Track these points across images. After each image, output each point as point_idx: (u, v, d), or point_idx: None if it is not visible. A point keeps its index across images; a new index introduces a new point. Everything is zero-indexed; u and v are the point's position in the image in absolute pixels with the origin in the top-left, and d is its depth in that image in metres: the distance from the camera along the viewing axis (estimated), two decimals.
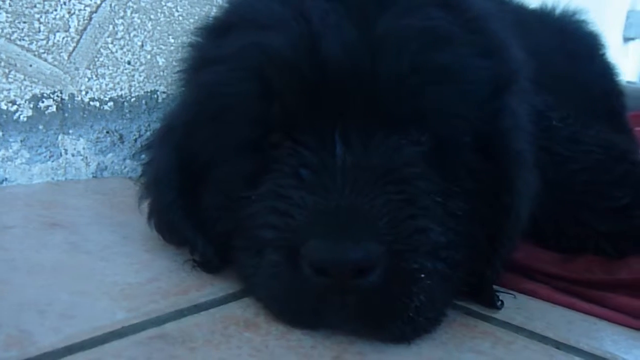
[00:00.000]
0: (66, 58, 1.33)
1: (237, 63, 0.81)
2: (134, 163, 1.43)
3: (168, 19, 1.51)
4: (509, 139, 0.83)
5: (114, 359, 0.66)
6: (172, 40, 1.52)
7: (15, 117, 1.26)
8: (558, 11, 1.59)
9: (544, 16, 1.54)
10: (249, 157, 0.82)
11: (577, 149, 1.09)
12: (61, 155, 1.36)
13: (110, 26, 1.40)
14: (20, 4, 1.23)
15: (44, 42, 1.28)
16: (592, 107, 1.32)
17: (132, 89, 1.47)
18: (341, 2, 0.78)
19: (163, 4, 1.49)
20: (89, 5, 1.34)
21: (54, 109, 1.32)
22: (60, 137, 1.35)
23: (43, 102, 1.31)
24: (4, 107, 1.24)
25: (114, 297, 0.80)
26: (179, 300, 0.81)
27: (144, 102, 1.50)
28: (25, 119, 1.28)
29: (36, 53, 1.27)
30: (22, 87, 1.27)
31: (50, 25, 1.28)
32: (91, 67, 1.38)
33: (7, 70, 1.23)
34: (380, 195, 0.72)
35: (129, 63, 1.45)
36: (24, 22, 1.24)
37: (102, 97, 1.41)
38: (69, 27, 1.32)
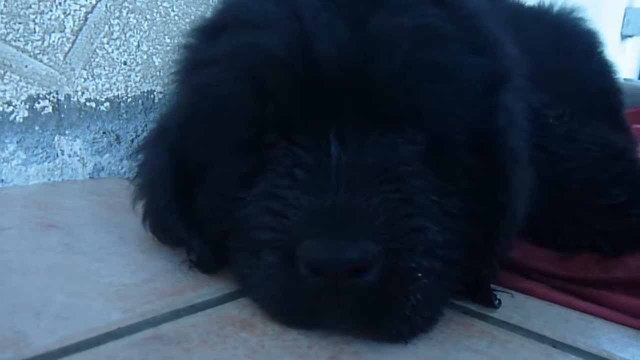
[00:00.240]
0: (62, 59, 1.32)
1: (230, 63, 0.80)
2: (131, 163, 1.42)
3: (164, 19, 1.51)
4: (503, 136, 0.83)
5: None
6: (169, 40, 1.52)
7: (11, 118, 1.26)
8: (555, 9, 1.58)
9: (541, 14, 1.54)
10: (243, 157, 0.82)
11: (573, 147, 1.09)
12: (57, 156, 1.35)
13: (106, 26, 1.39)
14: (15, 4, 1.23)
15: (40, 42, 1.28)
16: (589, 104, 1.32)
17: (129, 89, 1.47)
18: (333, 1, 0.78)
19: (159, 4, 1.49)
20: (84, 6, 1.34)
21: (49, 109, 1.32)
22: (56, 138, 1.34)
23: (39, 103, 1.30)
24: (0, 109, 1.24)
25: (109, 298, 0.80)
26: (174, 301, 0.81)
27: (140, 102, 1.50)
28: (21, 120, 1.28)
29: (32, 54, 1.27)
30: (18, 88, 1.26)
31: (45, 26, 1.28)
32: (87, 67, 1.38)
33: (2, 72, 1.23)
34: (375, 195, 0.72)
35: (125, 63, 1.45)
36: (19, 23, 1.24)
37: (98, 97, 1.41)
38: (65, 27, 1.32)
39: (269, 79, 0.77)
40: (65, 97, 1.35)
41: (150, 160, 0.95)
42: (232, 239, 0.83)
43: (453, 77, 0.79)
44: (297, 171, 0.75)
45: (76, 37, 1.34)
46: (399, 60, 0.75)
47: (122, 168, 1.47)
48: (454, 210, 0.79)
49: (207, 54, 0.85)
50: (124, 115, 1.47)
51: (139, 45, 1.47)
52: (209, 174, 0.86)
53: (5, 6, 1.21)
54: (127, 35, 1.44)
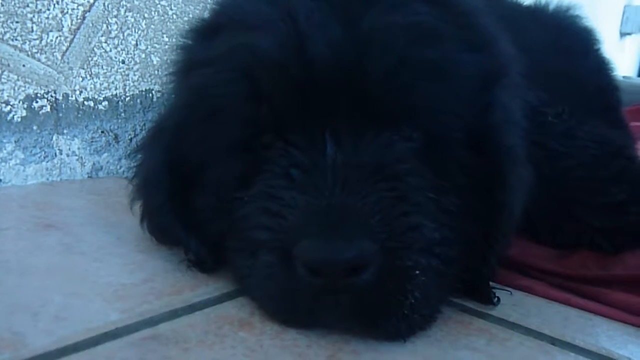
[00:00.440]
0: (60, 58, 1.32)
1: (225, 64, 0.80)
2: (129, 163, 1.42)
3: (162, 18, 1.51)
4: (500, 134, 0.83)
5: None
6: (167, 39, 1.52)
7: (9, 118, 1.26)
8: (552, 7, 1.58)
9: (537, 12, 1.54)
10: (240, 158, 0.82)
11: (572, 144, 1.09)
12: (56, 155, 1.35)
13: (104, 25, 1.39)
14: (13, 3, 1.22)
15: (37, 41, 1.28)
16: (587, 102, 1.32)
17: (127, 88, 1.47)
18: (327, 1, 0.78)
19: (157, 2, 1.49)
20: (82, 5, 1.34)
21: (48, 109, 1.32)
22: (54, 138, 1.34)
23: (37, 102, 1.30)
24: None
25: (107, 298, 0.79)
26: (172, 301, 0.81)
27: (138, 101, 1.50)
28: (19, 120, 1.27)
29: (29, 53, 1.27)
30: (16, 88, 1.26)
31: (43, 25, 1.28)
32: (85, 66, 1.37)
33: (0, 71, 1.23)
34: (372, 193, 0.72)
35: (123, 62, 1.45)
36: (17, 22, 1.24)
37: (96, 96, 1.41)
38: (62, 26, 1.31)
39: (263, 80, 0.77)
40: (63, 96, 1.34)
41: (146, 161, 0.95)
42: (230, 239, 0.83)
43: (448, 75, 0.79)
44: (293, 171, 0.75)
45: (74, 36, 1.34)
46: (393, 58, 0.75)
47: (120, 167, 1.47)
48: (451, 208, 0.79)
49: (202, 55, 0.85)
50: (123, 114, 1.47)
51: (137, 44, 1.47)
52: (205, 175, 0.86)
53: (2, 5, 1.21)
54: (125, 34, 1.44)
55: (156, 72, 1.51)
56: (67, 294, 0.79)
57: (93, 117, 1.41)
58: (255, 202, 0.78)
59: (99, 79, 1.41)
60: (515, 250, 0.99)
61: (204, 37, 0.89)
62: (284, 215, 0.73)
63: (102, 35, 1.39)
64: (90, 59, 1.38)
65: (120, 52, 1.44)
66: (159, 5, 1.50)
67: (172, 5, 1.53)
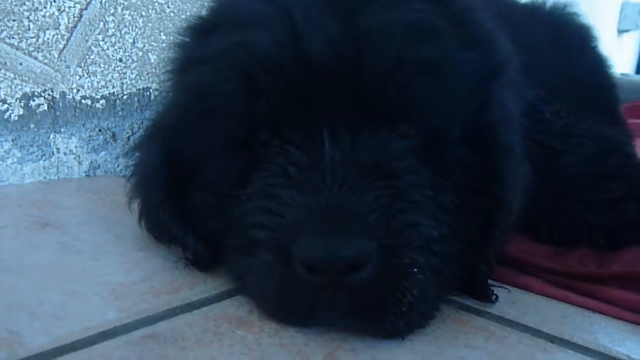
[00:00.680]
0: (57, 56, 1.32)
1: (222, 62, 0.80)
2: (127, 161, 1.42)
3: (159, 16, 1.51)
4: (497, 131, 0.83)
5: (104, 359, 0.66)
6: (164, 37, 1.51)
7: (5, 117, 1.25)
8: (549, 4, 1.58)
9: (534, 10, 1.54)
10: (237, 156, 0.82)
11: (570, 142, 1.09)
12: (53, 154, 1.35)
13: (101, 23, 1.39)
14: (9, 1, 1.22)
15: (34, 40, 1.27)
16: (585, 99, 1.32)
17: (124, 86, 1.47)
18: None
19: (154, 0, 1.49)
20: (78, 3, 1.33)
21: (45, 107, 1.32)
22: (52, 136, 1.34)
23: (34, 100, 1.30)
24: None
25: (105, 297, 0.79)
26: (171, 299, 0.81)
27: (136, 99, 1.50)
28: (16, 118, 1.27)
29: (26, 51, 1.27)
30: (13, 86, 1.26)
31: (40, 23, 1.28)
32: (82, 64, 1.37)
33: None
34: (369, 191, 0.72)
35: (120, 60, 1.45)
36: (13, 20, 1.23)
37: (93, 95, 1.40)
38: (59, 24, 1.31)
39: (260, 78, 0.76)
40: (60, 94, 1.34)
41: (144, 159, 0.95)
42: (228, 237, 0.83)
43: (445, 72, 0.79)
44: (291, 169, 0.75)
45: (71, 34, 1.34)
46: (390, 55, 0.75)
47: (118, 166, 1.47)
48: (449, 206, 0.79)
49: (199, 53, 0.85)
50: (120, 112, 1.46)
51: (134, 42, 1.46)
52: (203, 173, 0.86)
53: None
54: (123, 32, 1.43)
55: (154, 70, 1.51)
56: (65, 292, 0.79)
57: (90, 115, 1.40)
58: (252, 201, 0.77)
59: (96, 77, 1.40)
60: (513, 248, 0.99)
61: (201, 35, 0.89)
62: (282, 214, 0.73)
63: (99, 34, 1.39)
64: (87, 57, 1.37)
65: (118, 50, 1.43)
66: (156, 3, 1.49)
67: (170, 3, 1.52)
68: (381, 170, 0.74)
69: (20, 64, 1.26)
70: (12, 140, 1.27)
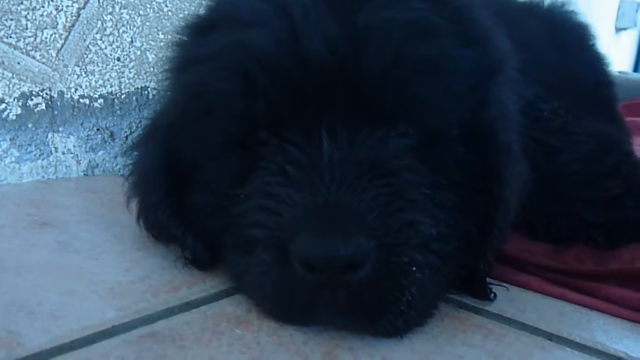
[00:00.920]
0: (54, 55, 1.32)
1: (220, 62, 0.80)
2: (125, 160, 1.42)
3: (157, 15, 1.50)
4: (495, 129, 0.83)
5: (103, 358, 0.66)
6: (162, 36, 1.51)
7: (3, 116, 1.25)
8: (547, 3, 1.58)
9: (532, 8, 1.54)
10: (235, 155, 0.82)
11: (568, 140, 1.09)
12: (51, 153, 1.35)
13: (99, 22, 1.38)
14: (7, 0, 1.22)
15: (32, 39, 1.27)
16: (583, 98, 1.32)
17: (122, 85, 1.47)
18: None
19: None
20: (76, 2, 1.33)
21: (43, 106, 1.32)
22: (50, 135, 1.34)
23: (32, 100, 1.30)
24: None
25: (103, 296, 0.79)
26: (169, 298, 0.81)
27: (134, 98, 1.49)
28: (14, 117, 1.27)
29: (24, 50, 1.26)
30: (11, 85, 1.26)
31: (37, 22, 1.27)
32: (80, 64, 1.37)
33: None
34: (368, 190, 0.72)
35: (118, 59, 1.44)
36: (11, 20, 1.23)
37: (91, 94, 1.40)
38: (57, 23, 1.31)
39: (258, 77, 0.76)
40: (58, 94, 1.34)
41: (142, 158, 0.95)
42: (226, 236, 0.83)
43: (443, 71, 0.79)
44: (289, 168, 0.75)
45: (69, 34, 1.33)
46: (388, 54, 0.75)
47: (116, 165, 1.47)
48: (448, 204, 0.79)
49: (197, 52, 0.85)
50: (118, 111, 1.46)
51: (132, 41, 1.46)
52: (202, 172, 0.86)
53: None
54: (120, 31, 1.43)
55: (152, 69, 1.50)
56: (63, 292, 0.79)
57: (88, 114, 1.40)
58: (251, 200, 0.77)
59: (94, 76, 1.40)
60: (511, 246, 0.99)
61: (198, 34, 0.89)
62: (280, 213, 0.73)
63: (97, 33, 1.38)
64: (85, 56, 1.37)
65: (116, 49, 1.43)
66: (154, 2, 1.49)
67: (168, 2, 1.52)
68: (379, 168, 0.74)
69: (18, 63, 1.26)
70: (10, 139, 1.27)
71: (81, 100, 1.38)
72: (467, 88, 0.81)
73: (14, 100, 1.26)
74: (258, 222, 0.75)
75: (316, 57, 0.75)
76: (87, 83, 1.39)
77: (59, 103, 1.34)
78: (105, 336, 0.70)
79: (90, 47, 1.38)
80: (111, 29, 1.41)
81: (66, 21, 1.32)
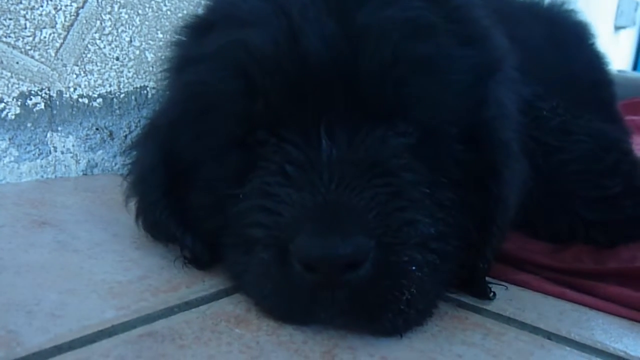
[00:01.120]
0: (53, 55, 1.32)
1: (219, 62, 0.80)
2: (124, 160, 1.42)
3: (156, 14, 1.50)
4: (494, 128, 0.83)
5: (102, 358, 0.66)
6: (161, 36, 1.51)
7: (2, 115, 1.25)
8: (546, 1, 1.58)
9: (532, 6, 1.54)
10: (235, 154, 0.82)
11: (567, 139, 1.09)
12: (50, 152, 1.35)
13: (98, 22, 1.38)
14: (6, 0, 1.22)
15: (31, 38, 1.27)
16: (582, 96, 1.32)
17: (121, 85, 1.46)
18: None
19: None
20: (75, 1, 1.33)
21: (42, 106, 1.31)
22: (49, 135, 1.34)
23: (31, 99, 1.29)
24: None
25: (103, 295, 0.79)
26: (169, 298, 0.81)
27: (133, 98, 1.49)
28: (13, 117, 1.27)
29: (23, 50, 1.26)
30: (9, 85, 1.25)
31: (36, 22, 1.27)
32: (79, 63, 1.37)
33: None
34: (367, 189, 0.72)
35: (117, 59, 1.44)
36: (10, 19, 1.23)
37: (90, 93, 1.40)
38: (56, 23, 1.31)
39: (257, 77, 0.76)
40: (57, 93, 1.34)
41: (141, 158, 0.95)
42: (226, 235, 0.83)
43: (442, 70, 0.79)
44: (288, 168, 0.75)
45: (67, 33, 1.33)
46: (387, 53, 0.75)
47: (115, 164, 1.47)
48: (447, 203, 0.79)
49: (196, 51, 0.85)
50: (117, 111, 1.46)
51: (131, 41, 1.46)
52: (201, 171, 0.86)
53: None
54: (119, 30, 1.43)
55: (150, 68, 1.50)
56: (62, 291, 0.79)
57: (87, 114, 1.40)
58: (250, 199, 0.77)
59: (93, 75, 1.40)
60: (511, 245, 0.99)
61: (197, 34, 0.89)
62: (280, 212, 0.73)
63: (95, 32, 1.38)
64: (84, 55, 1.37)
65: (114, 48, 1.43)
66: (152, 2, 1.49)
67: (166, 2, 1.52)
68: (378, 168, 0.74)
69: (17, 62, 1.26)
70: (9, 139, 1.27)
71: (80, 99, 1.38)
72: (466, 87, 0.81)
73: (12, 99, 1.26)
74: (257, 221, 0.75)
75: (315, 56, 0.75)
76: (86, 82, 1.39)
77: (58, 102, 1.34)
78: (104, 335, 0.70)
79: (89, 46, 1.38)
80: (110, 28, 1.41)
81: (65, 21, 1.32)
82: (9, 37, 1.23)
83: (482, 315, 0.84)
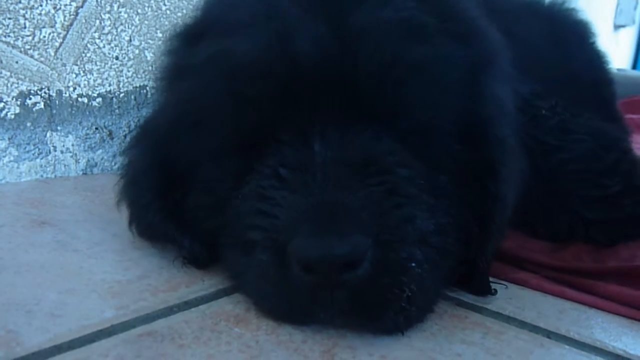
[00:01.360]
0: (53, 54, 1.32)
1: (209, 71, 0.80)
2: (124, 159, 1.42)
3: (155, 13, 1.50)
4: (490, 125, 0.82)
5: (102, 357, 0.66)
6: (160, 35, 1.51)
7: (2, 115, 1.25)
8: (547, 0, 1.58)
9: (533, 5, 1.54)
10: (231, 159, 0.82)
11: (567, 137, 1.09)
12: (50, 152, 1.35)
13: (97, 21, 1.38)
14: None
15: (30, 38, 1.27)
16: (582, 95, 1.32)
17: (121, 84, 1.46)
18: (309, 0, 0.78)
19: None
20: (74, 0, 1.33)
21: (41, 105, 1.31)
22: (48, 134, 1.34)
23: (30, 99, 1.29)
24: None
25: (102, 295, 0.79)
26: (168, 297, 0.81)
27: (132, 97, 1.49)
28: (12, 117, 1.27)
29: (22, 49, 1.26)
30: (9, 84, 1.25)
31: (35, 21, 1.27)
32: (78, 62, 1.37)
33: None
34: (362, 188, 0.72)
35: (116, 58, 1.44)
36: (9, 19, 1.23)
37: (90, 93, 1.40)
38: (55, 22, 1.31)
39: (247, 84, 0.76)
40: (56, 92, 1.34)
41: (133, 161, 0.94)
42: (225, 237, 0.83)
43: (438, 69, 0.78)
44: (282, 171, 0.75)
45: (67, 32, 1.33)
46: (385, 56, 0.75)
47: (115, 164, 1.47)
48: (445, 198, 0.78)
49: (187, 61, 0.85)
50: (117, 110, 1.46)
51: (130, 40, 1.46)
52: (198, 175, 0.86)
53: None
54: (119, 29, 1.43)
55: (150, 68, 1.50)
56: (62, 291, 0.79)
57: (87, 113, 1.40)
58: (247, 202, 0.77)
59: (92, 75, 1.40)
60: (510, 244, 0.99)
61: (189, 43, 0.89)
62: (276, 215, 0.72)
63: (95, 31, 1.38)
64: (83, 55, 1.37)
65: (114, 48, 1.43)
66: (152, 1, 1.49)
67: (166, 1, 1.52)
68: (373, 166, 0.74)
69: (16, 62, 1.26)
70: (9, 138, 1.27)
71: (80, 99, 1.38)
72: (460, 84, 0.80)
73: (12, 99, 1.26)
74: (255, 224, 0.75)
75: (305, 59, 0.74)
76: (86, 82, 1.39)
77: (57, 102, 1.34)
78: (104, 335, 0.70)
79: (89, 46, 1.38)
80: (109, 27, 1.41)
81: (64, 20, 1.32)
82: (9, 36, 1.23)
83: (482, 314, 0.84)
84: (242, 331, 0.74)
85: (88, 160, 1.42)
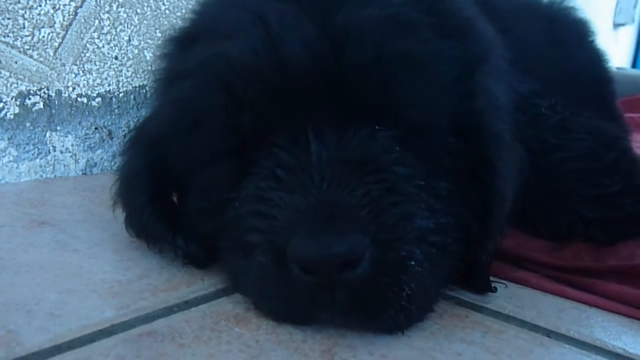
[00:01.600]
0: (52, 54, 1.31)
1: (202, 76, 0.80)
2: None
3: (155, 13, 1.50)
4: (485, 119, 0.82)
5: (102, 357, 0.66)
6: (160, 35, 1.51)
7: (1, 115, 1.25)
8: None
9: (532, 4, 1.53)
10: (227, 162, 0.82)
11: (566, 136, 1.09)
12: (49, 152, 1.35)
13: (96, 21, 1.38)
14: (4, 0, 1.21)
15: (29, 38, 1.27)
16: (581, 94, 1.32)
17: (120, 84, 1.46)
18: (298, 2, 0.78)
19: None
20: (73, 0, 1.33)
21: (41, 105, 1.31)
22: (48, 134, 1.34)
23: (30, 99, 1.29)
24: None
25: (102, 295, 0.79)
26: (168, 297, 0.81)
27: (132, 97, 1.49)
28: (12, 117, 1.27)
29: (21, 49, 1.26)
30: (8, 84, 1.25)
31: (34, 21, 1.27)
32: (78, 62, 1.37)
33: None
34: (359, 187, 0.72)
35: (116, 58, 1.44)
36: (8, 19, 1.23)
37: (89, 92, 1.40)
38: (54, 22, 1.31)
39: (239, 88, 0.77)
40: (56, 92, 1.34)
41: (127, 164, 0.94)
42: (223, 238, 0.83)
43: (426, 64, 0.78)
44: (279, 172, 0.75)
45: (66, 32, 1.33)
46: (369, 52, 0.75)
47: (114, 164, 1.46)
48: (443, 193, 0.78)
49: (181, 66, 0.86)
50: (116, 110, 1.46)
51: (129, 40, 1.46)
52: (194, 178, 0.86)
53: None
54: (118, 29, 1.43)
55: (149, 68, 1.50)
56: (62, 291, 0.79)
57: (86, 113, 1.40)
58: (245, 204, 0.77)
59: (91, 75, 1.40)
60: (510, 243, 0.99)
61: (182, 47, 0.89)
62: (274, 216, 0.72)
63: (94, 31, 1.38)
64: (82, 55, 1.37)
65: (113, 48, 1.43)
66: (151, 1, 1.49)
67: (165, 1, 1.52)
68: (369, 164, 0.74)
69: (16, 62, 1.26)
70: (8, 138, 1.27)
71: (79, 99, 1.38)
72: (452, 79, 0.80)
73: (11, 99, 1.26)
74: (253, 226, 0.75)
75: (295, 60, 0.75)
76: (85, 82, 1.39)
77: (56, 102, 1.34)
78: (104, 335, 0.70)
79: (88, 45, 1.38)
80: (109, 27, 1.41)
81: (63, 20, 1.32)
82: (8, 36, 1.23)
83: (482, 313, 0.84)
84: (242, 331, 0.74)
85: (87, 160, 1.42)
